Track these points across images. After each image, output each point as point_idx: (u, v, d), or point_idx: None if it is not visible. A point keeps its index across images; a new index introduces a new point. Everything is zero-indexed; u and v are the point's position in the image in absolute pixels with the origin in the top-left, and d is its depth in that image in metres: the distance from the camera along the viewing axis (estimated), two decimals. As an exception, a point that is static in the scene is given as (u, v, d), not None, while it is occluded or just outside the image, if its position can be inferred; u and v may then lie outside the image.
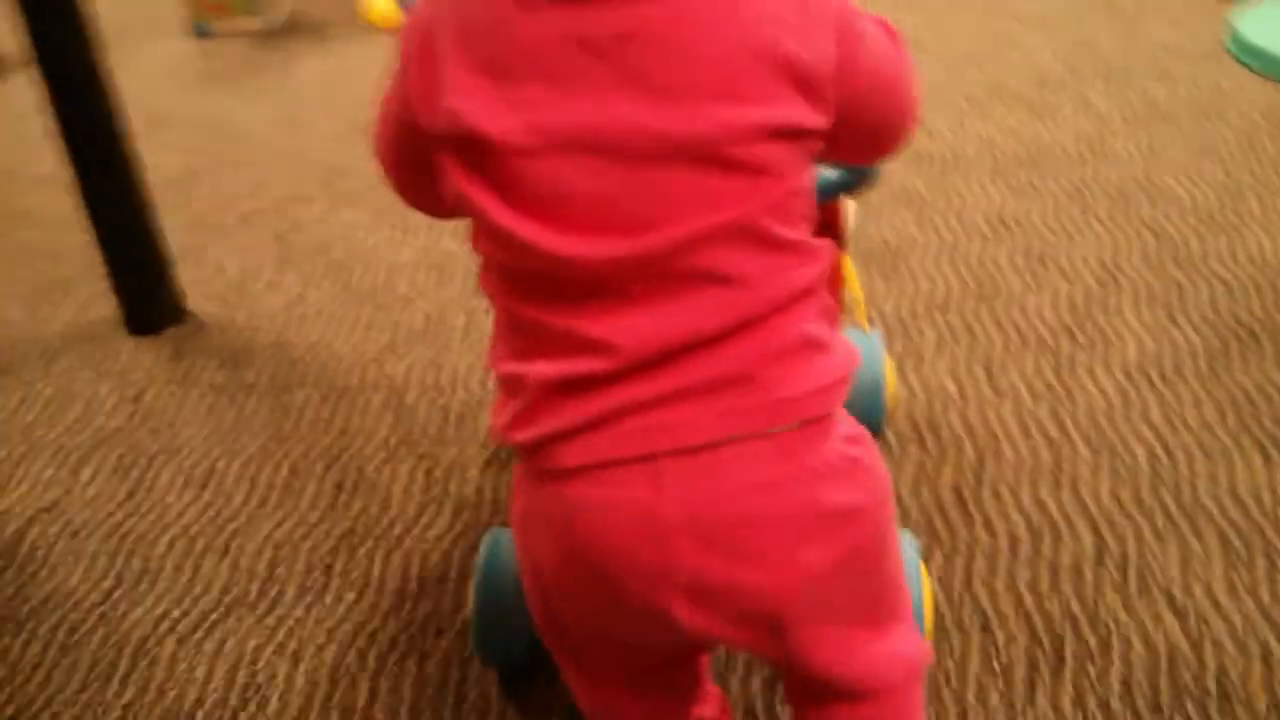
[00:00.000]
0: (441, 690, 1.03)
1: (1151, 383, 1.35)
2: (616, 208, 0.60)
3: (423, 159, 0.66)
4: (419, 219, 1.80)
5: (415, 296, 1.63)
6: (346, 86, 2.37)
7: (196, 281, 1.68)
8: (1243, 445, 1.24)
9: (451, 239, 1.76)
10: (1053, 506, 1.18)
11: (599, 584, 0.65)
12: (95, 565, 1.19)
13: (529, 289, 0.64)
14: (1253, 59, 2.15)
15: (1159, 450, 1.24)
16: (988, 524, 1.16)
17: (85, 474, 1.33)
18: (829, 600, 0.66)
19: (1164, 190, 1.75)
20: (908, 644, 0.73)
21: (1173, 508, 1.17)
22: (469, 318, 1.57)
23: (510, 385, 0.67)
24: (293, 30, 2.71)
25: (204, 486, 1.29)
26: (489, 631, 0.97)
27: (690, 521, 0.62)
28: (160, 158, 1.62)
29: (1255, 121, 1.95)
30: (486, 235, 0.64)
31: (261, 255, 1.77)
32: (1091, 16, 2.43)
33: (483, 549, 0.99)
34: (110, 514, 1.26)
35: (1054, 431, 1.28)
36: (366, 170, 1.99)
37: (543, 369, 0.63)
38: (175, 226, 1.64)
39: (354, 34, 2.65)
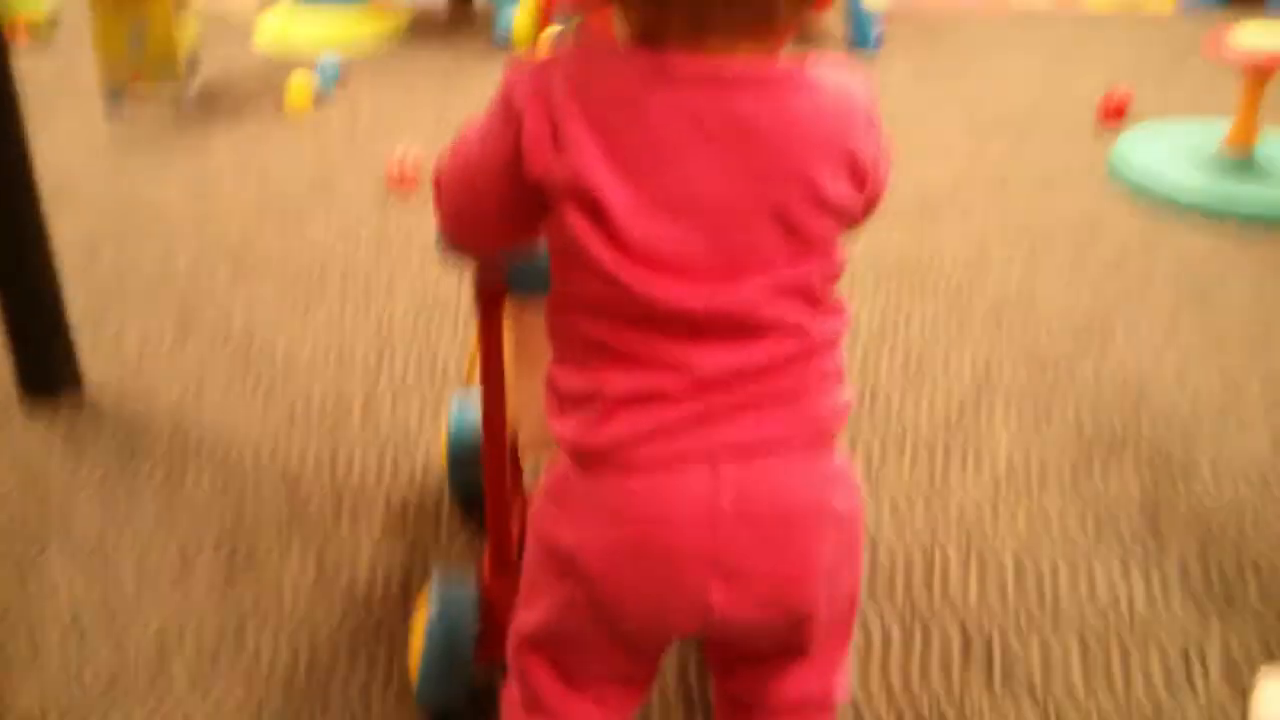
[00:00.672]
0: (326, 777, 1.04)
1: (1017, 491, 1.43)
2: (707, 262, 0.73)
3: (503, 197, 0.77)
4: (322, 300, 1.85)
5: (313, 378, 1.65)
6: (259, 162, 2.40)
7: (95, 349, 1.67)
8: (1101, 551, 1.33)
9: (353, 321, 1.79)
10: (923, 606, 1.24)
11: (649, 566, 0.76)
12: (-24, 644, 1.18)
13: (618, 319, 0.75)
14: (1128, 181, 2.30)
15: (1023, 555, 1.32)
16: (864, 623, 1.21)
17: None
18: (829, 596, 0.80)
19: (1036, 305, 1.86)
20: (846, 675, 0.89)
21: (1035, 609, 1.24)
22: (365, 401, 1.59)
23: (578, 398, 0.77)
24: (209, 106, 2.73)
25: (94, 568, 1.29)
26: (439, 675, 1.05)
27: (740, 515, 0.74)
28: (66, 224, 1.62)
29: (1126, 241, 2.09)
30: (588, 274, 0.74)
31: (162, 327, 1.77)
32: (979, 141, 2.57)
33: (434, 599, 1.07)
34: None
35: (925, 537, 1.35)
36: (274, 245, 2.03)
37: (622, 382, 0.74)
38: (77, 294, 1.64)
39: (269, 113, 2.68)
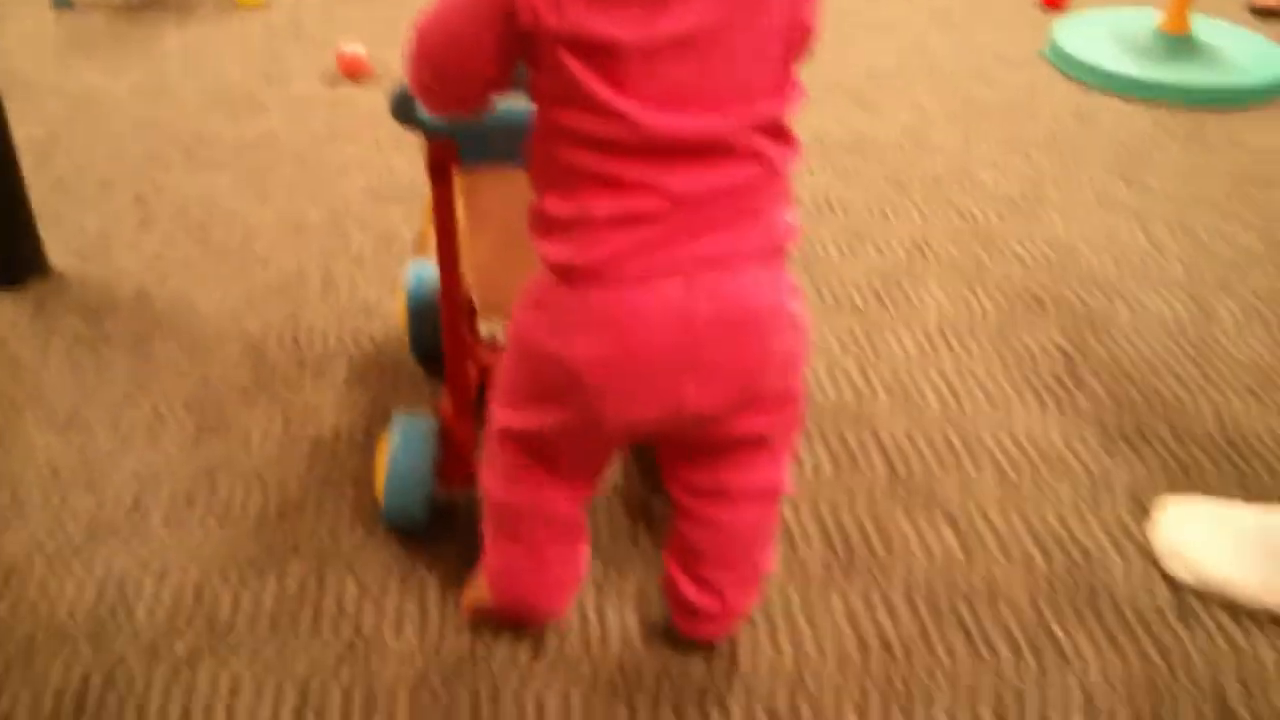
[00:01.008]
0: (300, 599, 1.12)
1: (947, 342, 1.51)
2: (696, 92, 0.82)
3: (491, 53, 0.84)
4: (278, 185, 1.89)
5: (272, 256, 1.71)
6: (208, 59, 2.41)
7: (57, 240, 1.72)
8: (1022, 393, 1.42)
9: (308, 203, 1.84)
10: (853, 442, 1.33)
11: (634, 367, 0.86)
12: (-41, 498, 1.25)
13: (605, 149, 0.83)
14: (1065, 64, 2.37)
15: (948, 396, 1.41)
16: (797, 456, 1.30)
17: (-54, 416, 1.38)
18: (782, 377, 0.92)
19: (974, 177, 1.94)
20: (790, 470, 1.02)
21: (956, 443, 1.33)
22: (324, 276, 1.65)
23: (566, 222, 0.86)
24: (156, 4, 2.73)
25: (68, 428, 1.35)
26: (404, 494, 1.15)
27: (712, 319, 0.85)
28: (20, 124, 1.65)
29: (1062, 120, 2.16)
30: (583, 111, 0.82)
31: (121, 216, 1.82)
32: (925, 24, 2.62)
33: (395, 429, 1.16)
34: (-25, 450, 1.32)
35: (859, 380, 1.43)
36: (227, 138, 2.07)
37: (608, 205, 0.84)
38: (35, 189, 1.68)
39: (216, 11, 2.68)
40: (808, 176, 1.92)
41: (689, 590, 1.02)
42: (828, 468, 1.29)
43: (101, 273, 1.67)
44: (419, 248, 1.43)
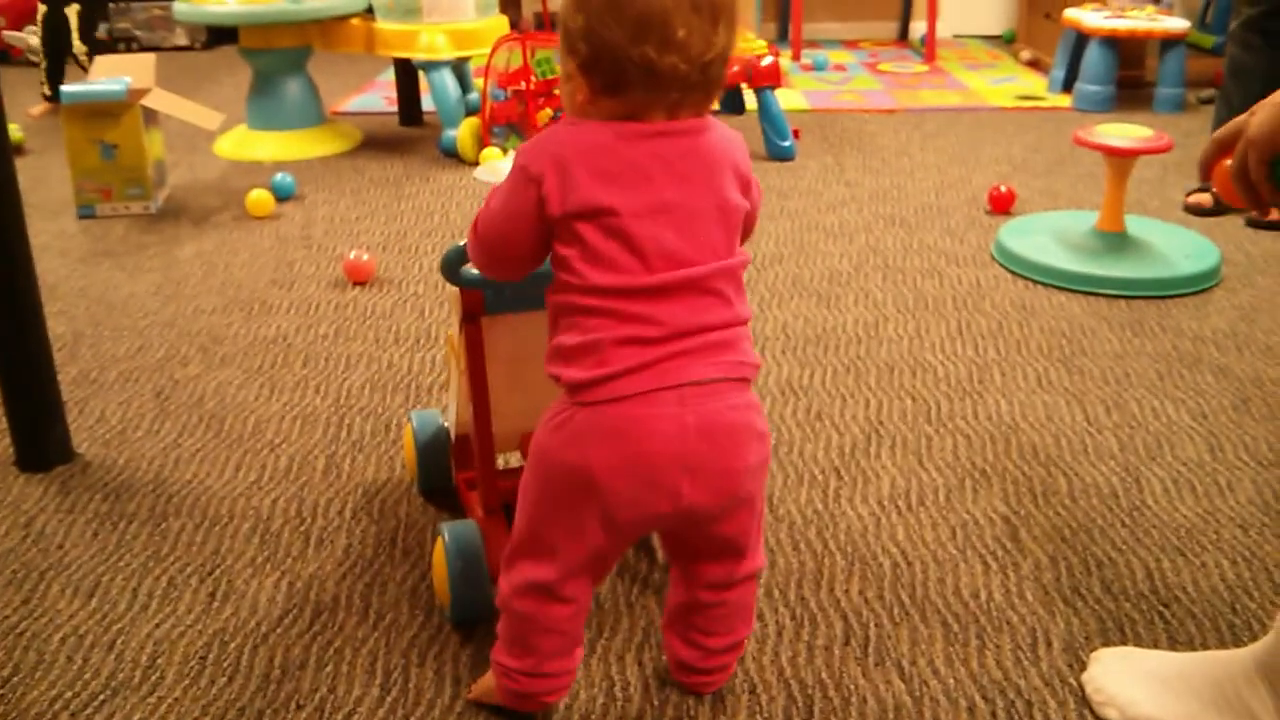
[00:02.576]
0: (301, 748, 1.22)
1: (899, 511, 1.65)
2: (681, 249, 1.10)
3: (532, 237, 1.13)
4: (287, 379, 2.05)
5: (280, 443, 1.85)
6: (223, 265, 2.62)
7: (81, 429, 1.87)
8: (967, 557, 1.55)
9: (315, 395, 2.00)
10: (812, 603, 1.45)
11: (645, 467, 1.09)
12: (-12, 662, 1.36)
13: (613, 293, 1.09)
14: (1011, 262, 2.58)
15: (900, 560, 1.54)
16: (760, 616, 1.42)
17: (-23, 589, 1.49)
18: (756, 484, 1.16)
19: (924, 364, 2.11)
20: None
21: (907, 602, 1.45)
22: (328, 460, 1.79)
23: (582, 349, 1.10)
24: (173, 215, 2.96)
25: (91, 595, 1.47)
26: (469, 596, 1.39)
27: (699, 430, 1.09)
28: (48, 321, 1.82)
29: (1006, 311, 2.35)
30: (596, 266, 1.09)
31: (141, 408, 1.97)
32: (881, 229, 2.85)
33: (448, 539, 1.38)
34: (6, 617, 1.43)
35: (818, 547, 1.56)
36: (240, 334, 2.25)
37: (615, 333, 1.09)
38: (62, 382, 1.84)
39: (230, 220, 2.91)
40: (773, 365, 2.09)
41: (689, 655, 1.26)
42: (790, 626, 1.41)
43: (122, 458, 1.81)
44: (447, 385, 1.73)
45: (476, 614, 1.39)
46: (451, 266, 1.34)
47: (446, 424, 1.65)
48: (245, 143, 3.54)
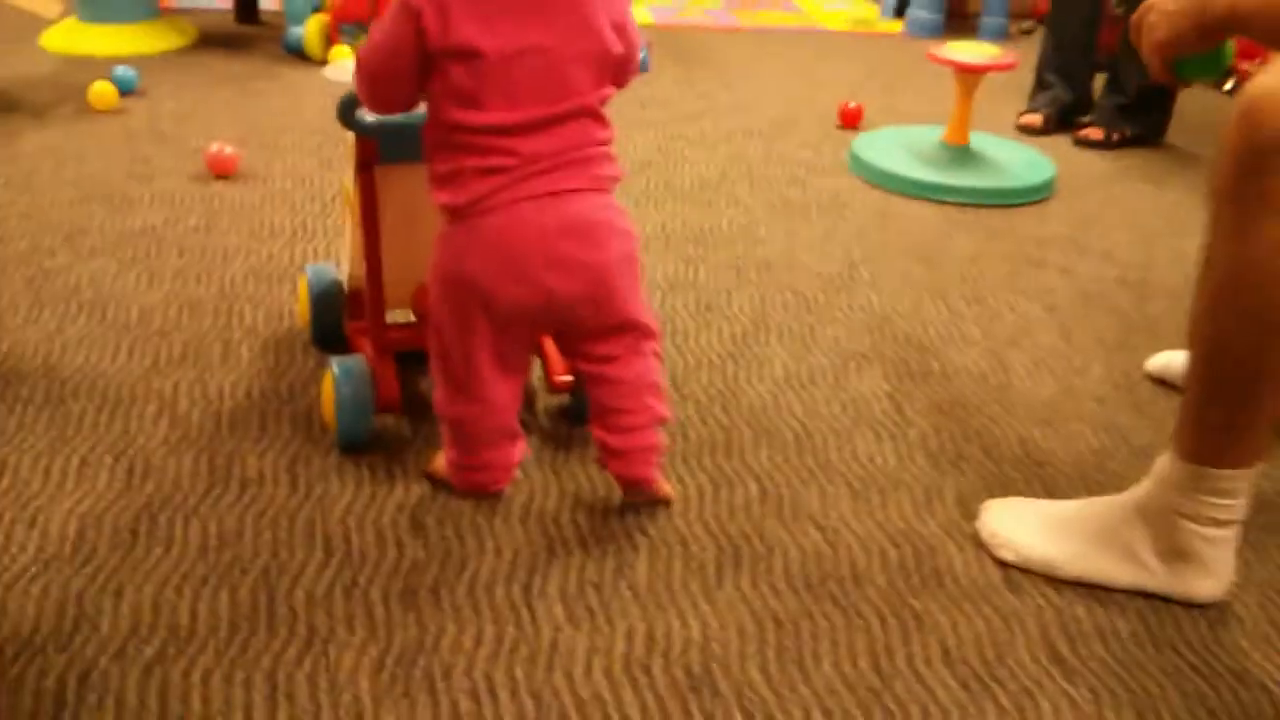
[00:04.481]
0: (253, 607, 1.24)
1: (794, 389, 1.75)
2: (542, 90, 1.26)
3: (412, 69, 1.26)
4: (164, 270, 2.00)
5: (171, 330, 1.81)
6: (73, 158, 2.49)
7: (-50, 317, 1.78)
8: (860, 427, 1.66)
9: (197, 285, 1.95)
10: (726, 468, 1.54)
11: (513, 267, 1.27)
12: (-103, 540, 1.30)
13: (478, 131, 1.25)
14: (866, 173, 2.71)
15: (800, 431, 1.64)
16: (680, 480, 1.50)
17: None
18: (623, 274, 1.32)
19: (799, 263, 2.22)
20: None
21: (813, 466, 1.56)
22: (225, 346, 1.77)
23: (449, 176, 1.28)
24: (6, 109, 2.79)
25: (-1, 475, 1.43)
26: (355, 419, 1.48)
27: (559, 229, 1.27)
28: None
29: (867, 217, 2.48)
30: (461, 104, 1.25)
31: (15, 297, 1.88)
32: (739, 139, 2.94)
33: (337, 370, 1.48)
34: (-90, 496, 1.37)
35: (724, 421, 1.65)
36: (107, 229, 2.16)
37: (479, 163, 1.27)
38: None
39: (72, 114, 2.77)
40: (657, 262, 2.15)
41: (610, 439, 1.38)
42: (709, 489, 1.49)
43: (4, 345, 1.73)
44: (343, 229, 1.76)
45: (361, 441, 1.50)
46: (347, 109, 1.41)
47: (340, 277, 1.69)
48: (76, 36, 3.35)
